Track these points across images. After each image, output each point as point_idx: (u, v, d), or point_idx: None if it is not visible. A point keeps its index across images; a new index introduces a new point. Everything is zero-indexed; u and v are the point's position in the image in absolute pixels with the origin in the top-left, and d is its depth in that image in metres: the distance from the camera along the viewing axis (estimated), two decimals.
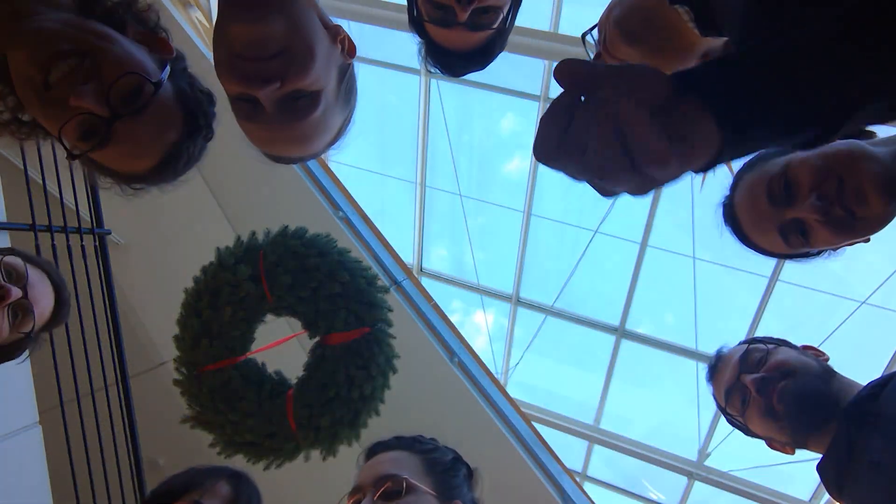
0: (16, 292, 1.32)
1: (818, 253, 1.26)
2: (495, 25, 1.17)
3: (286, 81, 0.87)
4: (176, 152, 1.02)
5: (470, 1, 1.11)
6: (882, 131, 1.21)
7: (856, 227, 1.11)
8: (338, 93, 0.98)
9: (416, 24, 1.24)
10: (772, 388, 1.28)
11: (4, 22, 0.91)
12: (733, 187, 1.28)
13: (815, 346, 1.43)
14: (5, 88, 0.98)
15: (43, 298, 1.42)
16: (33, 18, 0.90)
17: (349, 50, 1.02)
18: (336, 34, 0.98)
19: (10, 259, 1.37)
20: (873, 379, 1.18)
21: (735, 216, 1.26)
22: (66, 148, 0.95)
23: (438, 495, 1.16)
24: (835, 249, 1.25)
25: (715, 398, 1.46)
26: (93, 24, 0.94)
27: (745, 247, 1.29)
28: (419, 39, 1.27)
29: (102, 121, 0.91)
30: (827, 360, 1.37)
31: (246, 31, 0.85)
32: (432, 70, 1.32)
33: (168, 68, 1.01)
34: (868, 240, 1.18)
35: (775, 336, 1.45)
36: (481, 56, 1.28)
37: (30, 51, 0.88)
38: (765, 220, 1.19)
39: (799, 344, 1.42)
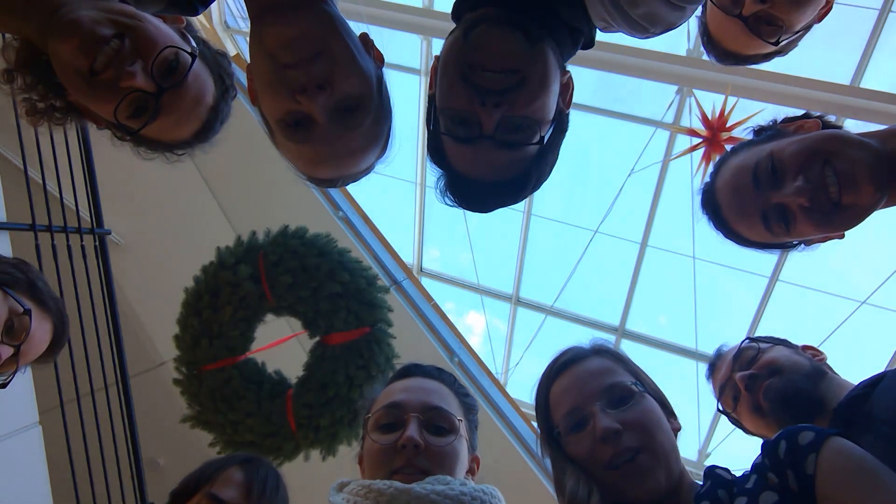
0: (5, 352, 1.32)
1: (794, 245, 1.24)
2: (532, 142, 0.94)
3: (335, 85, 0.88)
4: (214, 114, 1.08)
5: (497, 104, 0.88)
6: (857, 127, 1.20)
7: (838, 216, 1.09)
8: (380, 100, 0.99)
9: (434, 143, 1.05)
10: (758, 386, 1.31)
11: (40, 15, 0.93)
12: (715, 173, 1.25)
13: (815, 346, 1.43)
14: (34, 78, 1.01)
15: (35, 347, 1.42)
16: (66, 8, 0.92)
17: (377, 57, 1.02)
18: (365, 40, 0.99)
19: (21, 318, 1.35)
20: (864, 379, 1.18)
21: (716, 201, 1.23)
22: (121, 128, 0.99)
23: (468, 443, 1.13)
24: (808, 244, 1.23)
25: (714, 395, 1.48)
26: (119, 4, 0.97)
27: (721, 235, 1.25)
28: (438, 172, 1.08)
29: (151, 96, 0.96)
30: (823, 360, 1.38)
31: (281, 32, 0.86)
32: (451, 205, 1.08)
33: (191, 37, 1.05)
34: (843, 236, 1.16)
35: (777, 336, 1.46)
36: (512, 186, 1.03)
37: (72, 41, 0.91)
38: (748, 203, 1.16)
39: (799, 344, 1.43)
